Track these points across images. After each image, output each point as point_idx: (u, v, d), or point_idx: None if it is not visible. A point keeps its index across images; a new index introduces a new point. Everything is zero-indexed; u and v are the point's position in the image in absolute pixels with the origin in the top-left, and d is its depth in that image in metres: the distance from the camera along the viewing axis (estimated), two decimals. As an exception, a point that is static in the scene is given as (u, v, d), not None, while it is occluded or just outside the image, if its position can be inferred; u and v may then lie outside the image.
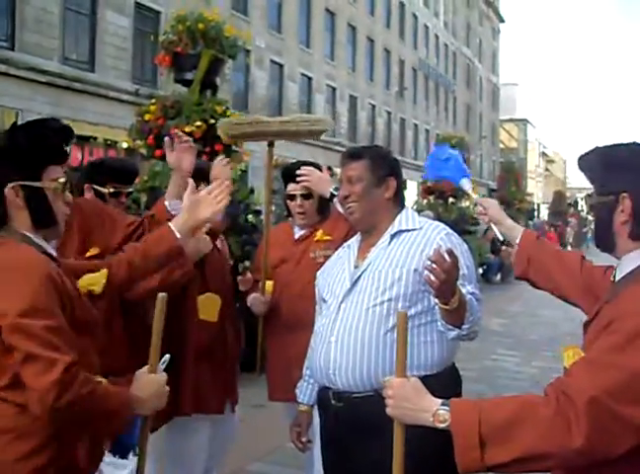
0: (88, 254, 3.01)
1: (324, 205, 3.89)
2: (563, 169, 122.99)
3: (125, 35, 22.37)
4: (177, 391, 3.54)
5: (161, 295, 2.29)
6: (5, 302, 1.91)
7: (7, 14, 18.72)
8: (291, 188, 3.81)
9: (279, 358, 3.74)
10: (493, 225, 2.90)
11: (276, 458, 5.30)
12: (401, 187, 2.85)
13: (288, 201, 3.85)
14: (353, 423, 2.57)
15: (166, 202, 3.18)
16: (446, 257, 2.11)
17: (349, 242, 2.93)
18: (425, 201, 19.29)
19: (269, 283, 3.76)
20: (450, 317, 2.36)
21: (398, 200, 2.82)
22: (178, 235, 2.57)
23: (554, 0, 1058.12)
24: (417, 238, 2.66)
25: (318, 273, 2.99)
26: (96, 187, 3.53)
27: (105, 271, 2.46)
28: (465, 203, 19.57)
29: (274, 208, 7.35)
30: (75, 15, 20.92)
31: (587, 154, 2.01)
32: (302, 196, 3.75)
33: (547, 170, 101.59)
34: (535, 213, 46.84)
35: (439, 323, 2.48)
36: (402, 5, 45.13)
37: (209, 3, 24.30)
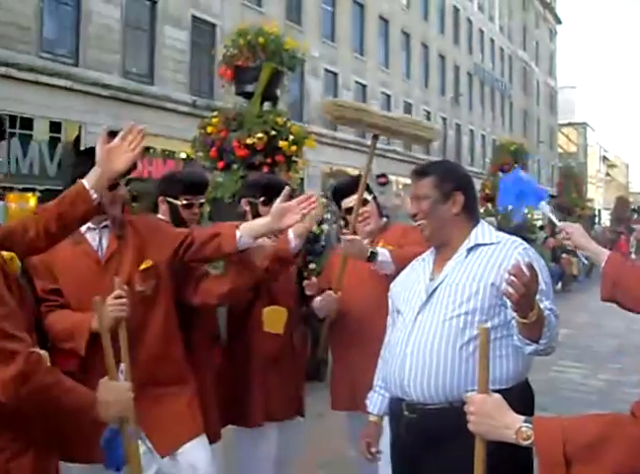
0: (142, 266, 3.06)
1: (380, 209, 3.94)
2: (625, 173, 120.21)
3: (183, 48, 22.81)
4: (246, 400, 3.60)
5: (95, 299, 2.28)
6: None
7: (72, 32, 19.39)
8: (346, 202, 3.84)
9: (343, 369, 3.76)
10: (578, 250, 2.91)
11: (336, 468, 5.30)
12: (472, 200, 2.82)
13: (348, 217, 3.86)
14: (424, 434, 2.57)
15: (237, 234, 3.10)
16: (526, 271, 2.09)
17: (423, 255, 2.93)
18: (483, 209, 19.05)
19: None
20: (528, 331, 2.33)
21: (470, 214, 2.78)
22: (94, 195, 2.54)
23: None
24: (494, 252, 2.65)
25: (392, 284, 2.99)
26: (169, 199, 3.59)
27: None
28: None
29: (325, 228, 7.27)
30: (135, 30, 21.51)
31: None
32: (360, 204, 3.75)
33: (608, 175, 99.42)
34: (597, 220, 45.96)
35: (514, 337, 2.46)
36: (456, 10, 44.86)
37: (264, 15, 24.61)
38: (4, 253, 2.29)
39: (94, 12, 19.71)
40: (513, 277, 2.09)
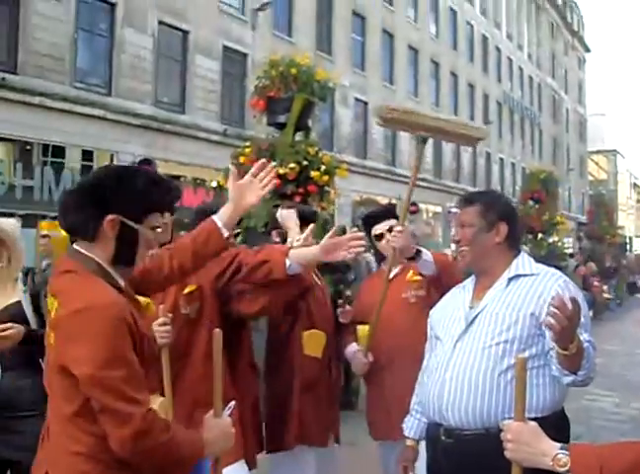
0: (186, 290, 3.13)
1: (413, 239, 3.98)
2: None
3: (214, 77, 23.10)
4: (283, 424, 3.64)
5: (217, 331, 2.26)
6: (80, 348, 1.95)
7: (105, 62, 19.74)
8: (377, 228, 3.91)
9: (377, 398, 3.79)
10: None
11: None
12: (516, 231, 2.88)
13: (377, 243, 3.93)
14: (461, 459, 2.62)
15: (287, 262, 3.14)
16: (569, 304, 2.14)
17: (464, 283, 2.99)
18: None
19: (363, 328, 3.81)
20: (568, 363, 2.37)
21: (512, 244, 2.85)
22: (225, 233, 2.61)
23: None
24: (534, 283, 2.70)
25: (432, 311, 3.05)
26: None
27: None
28: (555, 238, 19.20)
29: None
30: (167, 60, 21.79)
31: None
32: (389, 231, 3.81)
33: (639, 202, 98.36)
34: (628, 247, 45.41)
35: (553, 367, 2.52)
36: (485, 39, 45.00)
37: (295, 45, 24.91)
38: (141, 299, 2.38)
39: (127, 42, 20.04)
40: (555, 310, 2.14)
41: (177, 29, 21.95)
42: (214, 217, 2.64)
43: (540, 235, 18.54)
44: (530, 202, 19.27)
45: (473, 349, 2.65)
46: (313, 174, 7.56)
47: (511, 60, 49.27)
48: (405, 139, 34.48)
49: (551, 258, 17.92)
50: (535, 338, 2.60)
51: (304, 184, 7.56)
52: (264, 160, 2.80)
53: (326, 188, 7.80)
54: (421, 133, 3.61)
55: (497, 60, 46.90)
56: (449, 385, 2.65)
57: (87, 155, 19.09)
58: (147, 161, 20.08)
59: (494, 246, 2.80)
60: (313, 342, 3.67)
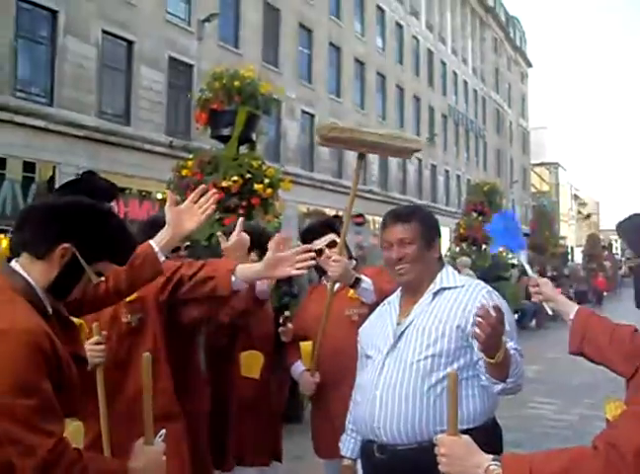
0: (128, 299, 3.08)
1: (350, 252, 4.01)
2: (596, 211, 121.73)
3: (160, 88, 22.90)
4: (222, 446, 3.60)
5: (146, 355, 2.15)
6: None
7: (46, 71, 19.34)
8: (316, 244, 3.83)
9: (322, 417, 3.76)
10: (545, 303, 3.01)
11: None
12: (441, 245, 2.96)
13: (318, 259, 3.86)
14: None
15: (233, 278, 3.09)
16: (493, 312, 2.19)
17: (389, 298, 3.01)
18: (458, 248, 19.22)
19: (306, 344, 3.78)
20: (495, 371, 2.42)
21: (440, 259, 2.93)
22: (162, 258, 2.61)
23: (581, 42, 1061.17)
24: (459, 295, 2.74)
25: (360, 329, 3.07)
26: None
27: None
28: (499, 249, 19.47)
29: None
30: (111, 70, 21.51)
31: (624, 221, 2.16)
32: (328, 246, 3.82)
33: (580, 213, 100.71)
34: (569, 257, 46.42)
35: (482, 377, 2.56)
36: (430, 53, 45.64)
37: (241, 56, 24.88)
38: (74, 320, 2.30)
39: (69, 51, 19.62)
40: (480, 319, 2.18)
41: (121, 38, 21.69)
42: (151, 241, 2.63)
43: (484, 246, 18.81)
44: (474, 214, 19.55)
45: (402, 364, 2.67)
46: (257, 187, 7.51)
47: (456, 74, 50.07)
48: (352, 152, 34.54)
49: (495, 269, 18.22)
50: (463, 350, 2.64)
51: (248, 197, 7.52)
52: (204, 186, 2.79)
53: (270, 200, 7.78)
54: (360, 150, 3.62)
55: (442, 74, 47.60)
56: (380, 402, 2.66)
57: (29, 167, 18.69)
58: (91, 173, 19.90)
59: (433, 262, 2.86)
60: (251, 363, 3.65)
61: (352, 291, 3.64)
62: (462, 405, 2.58)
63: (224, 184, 7.19)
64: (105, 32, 20.95)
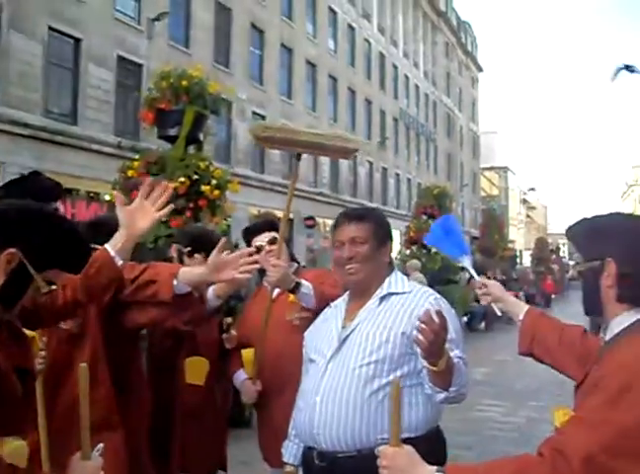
0: None
1: (291, 253, 3.90)
2: (544, 215, 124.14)
3: (108, 88, 22.52)
4: (165, 456, 3.48)
5: (82, 366, 2.04)
6: None
7: (-11, 68, 18.83)
8: (256, 240, 3.77)
9: (267, 424, 3.67)
10: (493, 304, 2.97)
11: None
12: (391, 250, 2.93)
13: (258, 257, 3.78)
14: None
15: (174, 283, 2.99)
16: (435, 318, 2.14)
17: (336, 302, 2.96)
18: (408, 251, 19.31)
19: (247, 351, 3.67)
20: (438, 379, 2.38)
21: (390, 263, 2.90)
22: (119, 262, 2.47)
23: (530, 48, 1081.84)
24: (406, 301, 2.71)
25: (306, 333, 3.00)
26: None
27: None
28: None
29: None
30: (58, 68, 21.06)
31: (573, 226, 2.15)
32: (270, 242, 3.72)
33: (529, 216, 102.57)
34: (518, 260, 47.11)
35: (425, 386, 2.52)
36: (382, 56, 45.90)
37: (191, 56, 24.63)
38: (27, 332, 2.16)
39: (13, 48, 19.15)
40: (423, 325, 2.13)
41: (69, 36, 21.24)
42: (107, 246, 2.49)
43: (434, 249, 18.90)
44: (424, 217, 19.65)
45: (344, 369, 2.62)
46: (204, 188, 7.38)
47: (407, 78, 50.47)
48: (303, 154, 34.58)
49: (445, 272, 18.34)
50: (407, 357, 2.60)
51: (195, 198, 7.39)
52: (154, 179, 2.64)
53: (218, 202, 7.64)
54: (297, 150, 3.50)
55: (394, 77, 47.93)
56: (320, 408, 2.60)
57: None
58: (36, 174, 19.51)
59: (383, 265, 2.82)
60: (195, 370, 3.55)
61: (292, 296, 3.55)
62: (405, 413, 2.50)
63: (171, 185, 7.04)
64: (51, 28, 20.48)
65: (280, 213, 21.69)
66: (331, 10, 38.90)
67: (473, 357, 13.84)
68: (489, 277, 3.28)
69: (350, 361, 2.61)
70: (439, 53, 57.40)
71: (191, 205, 7.32)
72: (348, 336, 2.68)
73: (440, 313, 2.17)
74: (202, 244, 3.58)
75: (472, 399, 9.60)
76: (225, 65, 28.66)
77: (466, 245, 3.40)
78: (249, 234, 3.89)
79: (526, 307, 2.84)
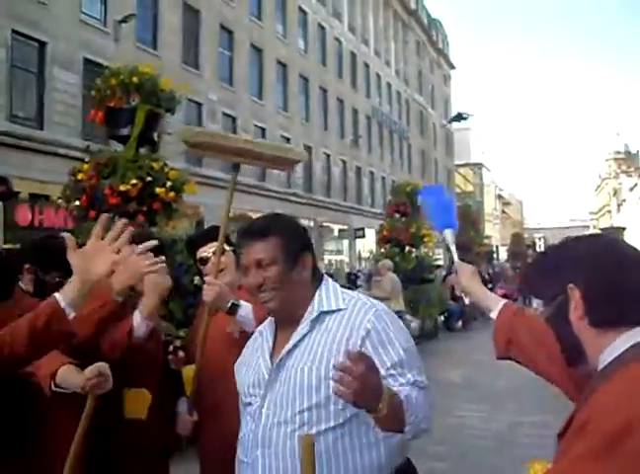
0: None
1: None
2: (519, 210, 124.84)
3: (74, 91, 22.08)
4: None
5: None
6: None
7: (-49, 73, 18.42)
8: (201, 251, 3.51)
9: (208, 452, 3.34)
10: (463, 294, 2.60)
11: None
12: (315, 258, 2.43)
13: (203, 268, 3.52)
14: None
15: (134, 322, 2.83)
16: (356, 362, 1.73)
17: (260, 327, 2.51)
18: (382, 250, 19.03)
19: (188, 369, 3.34)
20: (385, 424, 1.92)
21: (314, 275, 2.38)
22: (71, 314, 2.12)
23: (501, 44, 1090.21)
24: (342, 322, 2.23)
25: (235, 365, 2.55)
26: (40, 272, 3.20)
27: None
28: (424, 250, 19.38)
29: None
30: (22, 72, 20.67)
31: (529, 269, 1.76)
32: (214, 253, 3.40)
33: (504, 212, 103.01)
34: (495, 256, 47.13)
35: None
36: (353, 55, 45.72)
37: (160, 58, 24.25)
38: None
39: (-24, 52, 18.78)
40: (340, 374, 1.72)
41: (33, 39, 20.84)
42: (57, 295, 2.13)
43: (408, 248, 18.68)
44: (397, 215, 19.40)
45: (282, 415, 2.17)
46: (158, 190, 7.02)
47: (379, 76, 50.35)
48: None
49: (419, 270, 18.10)
50: None
51: (149, 201, 7.03)
52: (106, 215, 2.29)
53: (174, 205, 7.28)
54: (233, 159, 3.22)
55: (365, 76, 47.79)
56: (263, 463, 2.17)
57: None
58: (1, 179, 19.06)
59: (303, 282, 2.32)
60: (136, 403, 3.16)
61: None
62: (363, 456, 2.14)
63: (122, 187, 6.70)
64: (15, 32, 20.10)
65: (254, 214, 21.30)
66: (301, 10, 38.66)
67: (450, 359, 13.72)
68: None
69: (287, 406, 2.17)
70: (410, 51, 57.35)
71: (144, 209, 6.96)
72: (278, 373, 2.24)
73: (360, 354, 1.77)
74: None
75: (449, 403, 9.37)
76: (195, 67, 28.35)
77: (454, 220, 2.95)
78: (193, 245, 3.61)
79: (501, 302, 2.43)
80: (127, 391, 3.13)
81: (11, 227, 19.49)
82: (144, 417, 3.17)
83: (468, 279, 2.56)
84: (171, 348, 3.41)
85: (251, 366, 2.38)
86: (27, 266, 3.29)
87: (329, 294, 2.33)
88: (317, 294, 2.32)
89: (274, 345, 2.35)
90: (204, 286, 3.10)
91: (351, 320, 2.22)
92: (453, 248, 2.84)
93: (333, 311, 2.27)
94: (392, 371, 2.05)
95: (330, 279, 2.42)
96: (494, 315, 2.40)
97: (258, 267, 2.28)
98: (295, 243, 2.33)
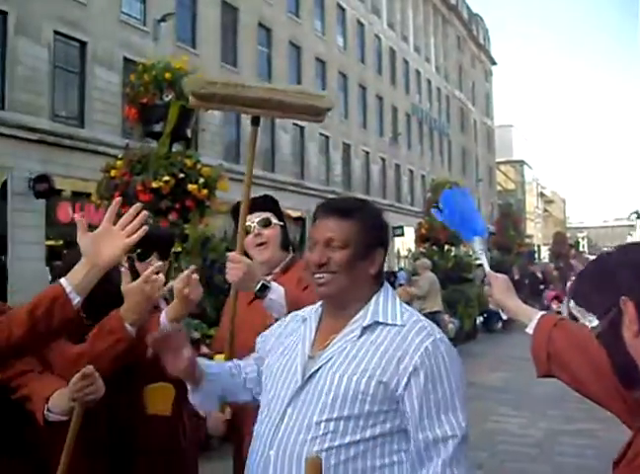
0: None
1: (287, 240, 3.31)
2: (562, 209, 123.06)
3: (114, 90, 22.27)
4: None
5: None
6: None
7: (-3, 73, 18.77)
8: (248, 219, 3.06)
9: (244, 446, 3.23)
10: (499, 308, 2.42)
11: None
12: (384, 260, 2.21)
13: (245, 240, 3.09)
14: None
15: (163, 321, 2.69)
16: None
17: (306, 311, 2.28)
18: (421, 249, 18.80)
19: (220, 358, 3.21)
20: None
21: (378, 277, 2.18)
22: (75, 299, 2.03)
23: (544, 41, 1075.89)
24: (395, 339, 2.02)
25: (265, 347, 2.35)
26: None
27: None
28: (463, 249, 19.10)
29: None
30: (64, 72, 20.99)
31: (577, 285, 1.56)
32: (260, 224, 3.18)
33: (546, 210, 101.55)
34: (536, 256, 46.44)
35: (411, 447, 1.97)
36: (393, 51, 45.43)
37: (199, 56, 24.33)
38: None
39: (20, 52, 19.12)
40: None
41: (74, 39, 21.18)
42: (62, 280, 2.05)
43: (447, 247, 18.42)
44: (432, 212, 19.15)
45: (305, 420, 2.00)
46: (190, 187, 6.94)
47: (419, 73, 49.96)
48: (314, 152, 34.27)
49: (459, 269, 17.85)
50: (391, 413, 1.98)
51: (181, 199, 6.95)
52: (117, 199, 2.19)
53: (207, 202, 7.19)
54: (251, 111, 2.78)
55: (405, 73, 47.46)
56: (275, 464, 2.01)
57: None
58: (44, 177, 19.32)
59: (367, 278, 2.12)
60: (158, 398, 3.02)
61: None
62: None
63: (154, 184, 6.64)
64: (57, 32, 20.45)
65: (293, 213, 21.11)
66: (339, 6, 38.55)
67: (489, 361, 13.41)
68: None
69: (313, 411, 2.00)
70: (450, 47, 56.81)
71: (176, 206, 6.89)
72: (314, 373, 2.04)
73: None
74: (152, 242, 3.07)
75: (486, 407, 9.08)
76: (233, 64, 28.43)
77: (482, 225, 2.68)
78: (238, 213, 3.10)
79: (537, 315, 2.23)
80: (150, 386, 3.01)
81: (53, 224, 19.77)
82: (169, 413, 3.06)
83: (502, 293, 2.40)
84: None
85: (284, 351, 2.20)
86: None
87: (387, 304, 2.13)
88: (374, 299, 2.13)
89: (315, 335, 2.17)
90: (228, 264, 2.80)
91: (406, 342, 2.01)
92: (484, 258, 2.64)
93: (388, 324, 2.06)
94: (433, 413, 1.92)
95: (390, 288, 2.21)
96: (530, 330, 2.22)
97: (326, 245, 2.10)
98: (374, 235, 2.14)
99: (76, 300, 2.03)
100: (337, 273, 2.08)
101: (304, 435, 1.98)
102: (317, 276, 2.10)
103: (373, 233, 2.14)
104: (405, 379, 1.92)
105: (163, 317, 2.84)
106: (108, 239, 2.06)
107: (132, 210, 2.12)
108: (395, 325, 2.05)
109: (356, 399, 1.95)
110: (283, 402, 2.06)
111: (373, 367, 1.98)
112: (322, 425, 1.97)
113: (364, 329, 2.05)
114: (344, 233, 2.08)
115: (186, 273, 2.74)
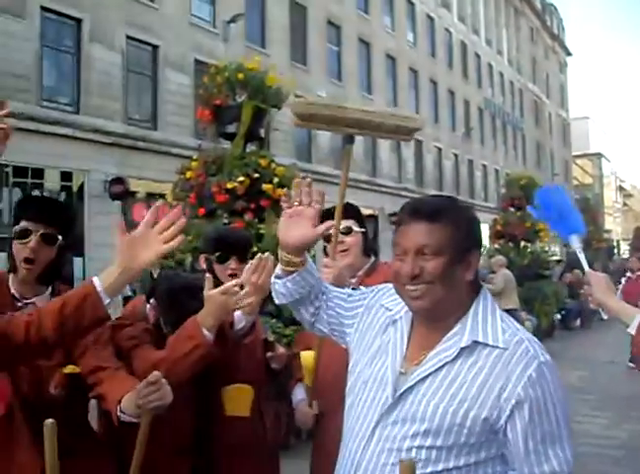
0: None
1: (368, 245, 3.40)
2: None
3: (186, 92, 22.62)
4: None
5: (49, 422, 1.78)
6: None
7: (72, 79, 19.34)
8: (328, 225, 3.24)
9: (319, 451, 3.20)
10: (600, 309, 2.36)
11: None
12: (478, 262, 2.02)
13: (326, 245, 3.24)
14: None
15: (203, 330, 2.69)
16: None
17: (393, 310, 2.09)
18: (496, 245, 18.44)
19: (307, 356, 3.21)
20: None
21: (476, 283, 1.99)
22: (106, 300, 2.02)
23: (623, 28, 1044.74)
24: (496, 365, 1.84)
25: (356, 295, 2.27)
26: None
27: None
28: (539, 245, 18.66)
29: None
30: (137, 76, 21.45)
31: None
32: (342, 231, 3.24)
33: (625, 205, 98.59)
34: (615, 251, 45.15)
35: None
36: (464, 45, 44.80)
37: (269, 56, 24.47)
38: None
39: (94, 58, 19.62)
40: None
41: (146, 43, 21.61)
42: (95, 279, 2.04)
43: (523, 243, 18.02)
44: (511, 209, 18.77)
45: (395, 444, 1.87)
46: (265, 187, 6.94)
47: (491, 66, 49.12)
48: (385, 149, 34.07)
49: (535, 266, 17.44)
50: (485, 443, 1.84)
51: (256, 198, 6.95)
52: (158, 204, 2.17)
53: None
54: (346, 130, 2.97)
55: (477, 66, 46.72)
56: None
57: (63, 176, 18.76)
58: (119, 180, 19.77)
59: (464, 285, 1.93)
60: (237, 399, 3.03)
61: None
62: None
63: (229, 185, 6.67)
64: (129, 37, 20.92)
65: (365, 211, 21.09)
66: (408, 1, 38.22)
67: (567, 359, 13.01)
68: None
69: (404, 435, 1.86)
70: (523, 39, 55.67)
71: (252, 206, 6.89)
72: (406, 393, 1.89)
73: None
74: (231, 245, 3.15)
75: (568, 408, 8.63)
76: (302, 63, 28.51)
77: (579, 222, 2.63)
78: (323, 219, 3.34)
79: (639, 315, 2.13)
80: (227, 387, 3.02)
81: (128, 225, 20.12)
82: (247, 414, 3.05)
83: (602, 292, 2.31)
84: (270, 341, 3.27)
85: (375, 364, 2.03)
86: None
87: (486, 317, 1.93)
88: (473, 309, 1.94)
89: (407, 348, 2.00)
90: (322, 269, 2.90)
91: (508, 368, 1.83)
92: (582, 256, 2.54)
93: (488, 345, 1.87)
94: (539, 447, 1.80)
95: (488, 293, 2.02)
96: (632, 330, 2.14)
97: (418, 253, 1.89)
98: (468, 237, 1.94)
99: (106, 301, 2.02)
100: (432, 283, 1.88)
101: (395, 459, 1.85)
102: (410, 288, 1.91)
103: (467, 234, 1.94)
104: (507, 412, 1.78)
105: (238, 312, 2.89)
106: (144, 243, 2.04)
107: (172, 215, 2.07)
108: (496, 347, 1.86)
109: (450, 431, 1.82)
110: (372, 419, 1.94)
111: (472, 399, 1.82)
112: (413, 451, 1.84)
113: (462, 350, 1.88)
114: (436, 239, 1.88)
115: (255, 260, 2.84)
